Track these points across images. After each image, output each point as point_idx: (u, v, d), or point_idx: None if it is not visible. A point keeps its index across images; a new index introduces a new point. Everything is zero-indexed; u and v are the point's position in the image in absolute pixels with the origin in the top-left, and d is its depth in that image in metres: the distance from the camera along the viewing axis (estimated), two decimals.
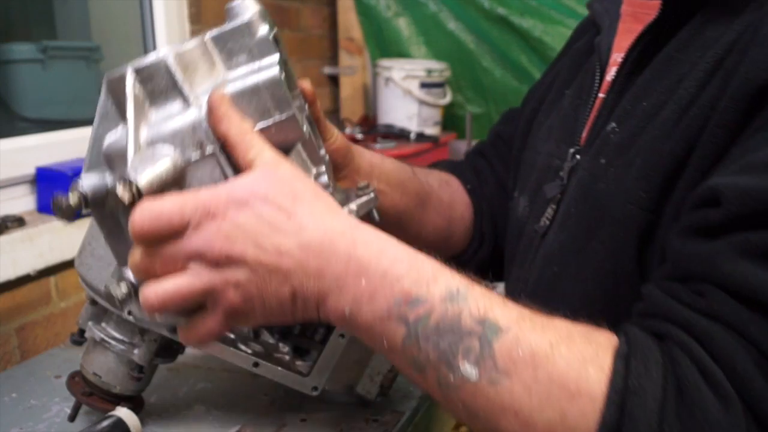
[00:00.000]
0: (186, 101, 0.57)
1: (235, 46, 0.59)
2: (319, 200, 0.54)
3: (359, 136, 2.16)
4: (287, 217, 0.51)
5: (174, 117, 0.57)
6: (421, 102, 2.23)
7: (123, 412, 0.75)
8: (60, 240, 1.13)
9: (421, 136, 2.20)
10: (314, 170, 0.63)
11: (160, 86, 0.57)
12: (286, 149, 0.59)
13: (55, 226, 1.14)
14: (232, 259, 0.50)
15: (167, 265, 0.52)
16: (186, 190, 0.55)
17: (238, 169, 0.56)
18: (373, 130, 2.26)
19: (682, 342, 0.48)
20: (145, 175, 0.52)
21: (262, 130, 0.57)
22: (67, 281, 1.20)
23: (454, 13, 2.30)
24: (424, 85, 2.22)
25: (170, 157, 0.54)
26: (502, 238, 0.94)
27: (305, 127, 0.60)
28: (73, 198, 0.58)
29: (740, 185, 0.48)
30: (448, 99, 2.30)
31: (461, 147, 2.30)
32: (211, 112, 0.55)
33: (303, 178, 0.55)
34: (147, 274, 0.53)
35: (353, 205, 0.67)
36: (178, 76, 0.57)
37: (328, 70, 2.38)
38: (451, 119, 2.39)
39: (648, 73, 0.64)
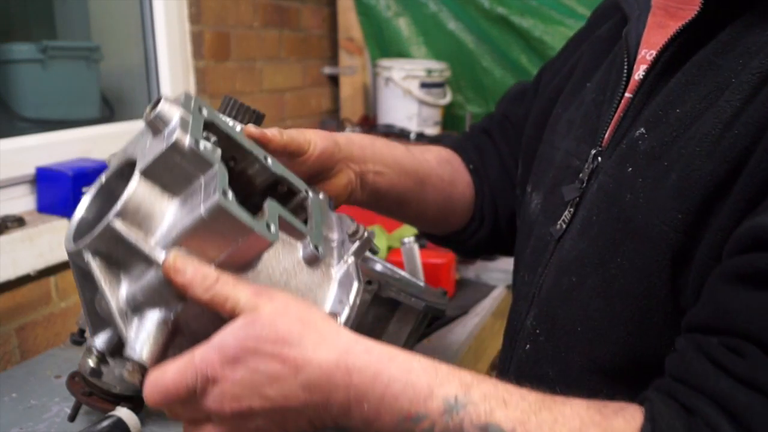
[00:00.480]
0: (147, 260, 0.54)
1: (170, 173, 0.55)
2: (307, 330, 0.53)
3: None
4: (281, 363, 0.51)
5: (143, 276, 0.55)
6: (421, 102, 2.22)
7: (123, 412, 0.75)
8: (60, 240, 1.12)
9: (421, 136, 2.20)
10: (299, 245, 0.62)
11: (119, 252, 0.55)
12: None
13: (55, 225, 1.15)
14: (244, 414, 0.53)
15: (191, 416, 0.55)
16: (186, 335, 0.57)
17: None
18: (373, 130, 2.25)
19: (710, 421, 0.46)
20: (145, 354, 0.54)
21: (232, 255, 0.54)
22: (67, 281, 1.20)
23: (454, 13, 2.30)
24: (424, 85, 2.22)
25: (157, 320, 0.55)
26: (503, 221, 0.93)
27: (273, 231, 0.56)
28: (93, 361, 0.61)
29: None
30: (448, 99, 2.30)
31: None
32: (170, 283, 0.53)
33: (285, 312, 0.53)
34: (178, 420, 0.57)
35: (349, 259, 0.66)
36: (131, 237, 0.54)
37: (328, 70, 2.37)
38: (451, 119, 2.39)
39: (682, 77, 0.59)
